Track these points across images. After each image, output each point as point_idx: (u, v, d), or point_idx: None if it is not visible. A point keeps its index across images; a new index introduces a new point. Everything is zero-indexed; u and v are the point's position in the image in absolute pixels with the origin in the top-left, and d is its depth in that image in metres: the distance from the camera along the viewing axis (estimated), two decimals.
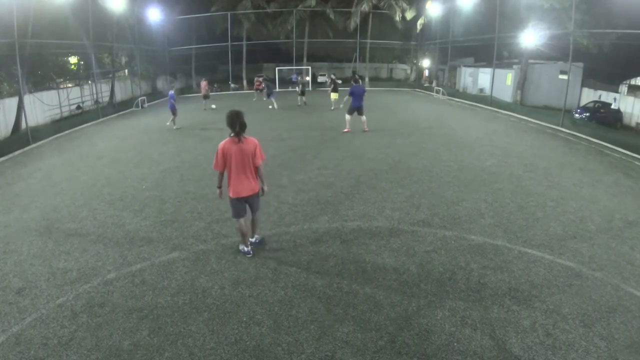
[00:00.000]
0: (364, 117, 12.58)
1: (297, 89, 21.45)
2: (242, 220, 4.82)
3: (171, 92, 14.31)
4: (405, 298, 4.08)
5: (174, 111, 14.03)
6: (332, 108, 17.74)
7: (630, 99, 20.58)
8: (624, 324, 3.69)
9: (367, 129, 12.61)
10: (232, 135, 4.55)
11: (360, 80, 12.99)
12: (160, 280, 4.45)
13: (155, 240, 5.44)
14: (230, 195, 4.68)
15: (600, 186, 7.71)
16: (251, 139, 4.66)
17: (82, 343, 3.48)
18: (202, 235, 5.55)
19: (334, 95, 17.68)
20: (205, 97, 19.22)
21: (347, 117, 12.62)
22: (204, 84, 19.35)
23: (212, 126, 14.43)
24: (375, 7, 30.15)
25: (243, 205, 4.77)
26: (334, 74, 21.06)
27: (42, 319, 3.82)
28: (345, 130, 12.62)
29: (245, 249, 5.00)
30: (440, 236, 5.49)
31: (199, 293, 4.20)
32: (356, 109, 12.38)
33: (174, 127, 14.13)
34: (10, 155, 10.86)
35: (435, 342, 3.46)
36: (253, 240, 5.16)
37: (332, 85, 17.99)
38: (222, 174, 4.73)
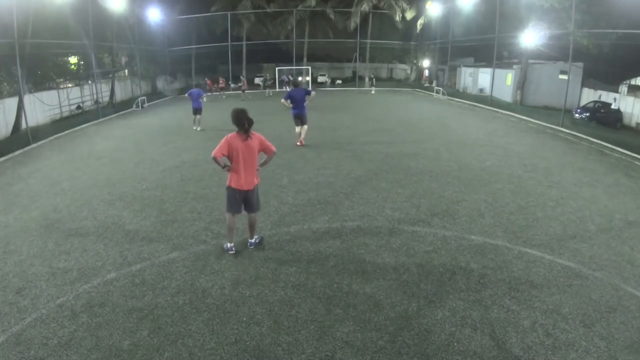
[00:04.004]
0: (305, 126, 10.72)
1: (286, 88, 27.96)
2: (232, 216, 4.87)
3: (199, 90, 14.05)
4: (405, 298, 4.08)
5: (200, 110, 13.69)
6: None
7: (630, 99, 20.56)
8: (624, 324, 3.69)
9: (302, 142, 10.75)
10: (239, 131, 4.57)
11: (300, 84, 11.45)
12: (160, 280, 4.44)
13: (155, 240, 5.44)
14: (231, 185, 4.72)
15: (600, 186, 7.71)
16: (256, 135, 4.73)
17: (82, 343, 3.48)
18: (202, 235, 5.55)
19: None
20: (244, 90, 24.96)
21: (296, 129, 10.92)
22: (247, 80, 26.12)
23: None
24: (375, 7, 30.20)
25: (239, 201, 4.79)
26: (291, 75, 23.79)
27: (42, 319, 3.82)
28: (298, 143, 10.88)
29: (229, 244, 5.02)
30: (440, 236, 5.49)
31: (199, 293, 4.20)
32: (297, 117, 10.59)
33: (198, 129, 13.61)
34: (10, 155, 10.84)
35: (435, 342, 3.46)
36: (252, 240, 5.16)
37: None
38: (219, 161, 4.57)
